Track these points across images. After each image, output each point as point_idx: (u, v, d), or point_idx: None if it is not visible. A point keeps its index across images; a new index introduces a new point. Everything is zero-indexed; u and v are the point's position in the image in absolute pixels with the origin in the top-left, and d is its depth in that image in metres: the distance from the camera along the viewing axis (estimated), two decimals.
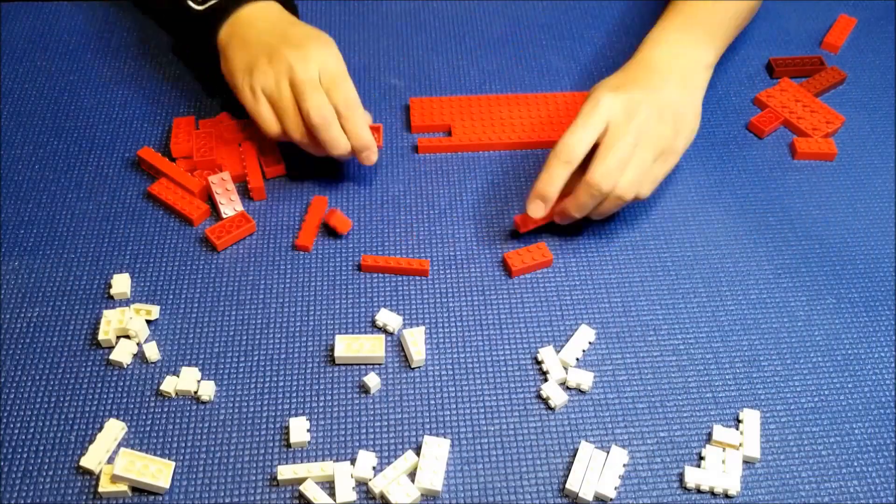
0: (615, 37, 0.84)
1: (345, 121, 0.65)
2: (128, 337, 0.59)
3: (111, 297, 0.62)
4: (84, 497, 0.53)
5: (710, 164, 0.73)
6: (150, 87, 0.77)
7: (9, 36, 0.81)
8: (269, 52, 0.65)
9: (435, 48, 0.82)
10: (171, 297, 0.62)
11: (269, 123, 0.65)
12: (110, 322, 0.59)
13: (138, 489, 0.53)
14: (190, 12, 0.70)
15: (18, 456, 0.54)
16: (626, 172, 0.62)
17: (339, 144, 0.65)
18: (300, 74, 0.64)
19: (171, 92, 0.77)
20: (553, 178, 0.62)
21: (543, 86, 0.79)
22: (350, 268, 0.65)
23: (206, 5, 0.69)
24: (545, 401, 0.58)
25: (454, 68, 0.80)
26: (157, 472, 0.53)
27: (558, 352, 0.60)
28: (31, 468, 0.54)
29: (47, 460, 0.54)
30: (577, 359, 0.60)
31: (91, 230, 0.66)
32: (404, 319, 0.62)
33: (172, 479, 0.53)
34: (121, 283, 0.62)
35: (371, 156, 0.66)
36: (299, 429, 0.55)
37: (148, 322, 0.61)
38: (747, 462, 0.55)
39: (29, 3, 0.84)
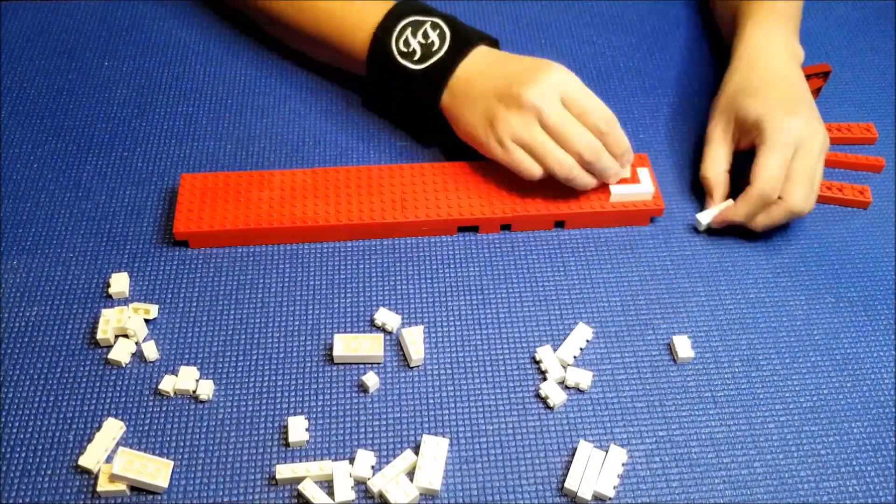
0: (614, 36, 0.84)
1: (608, 139, 0.64)
2: (126, 336, 0.59)
3: (110, 297, 0.62)
4: (83, 496, 0.53)
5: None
6: (150, 86, 0.77)
7: (8, 34, 0.81)
8: (503, 98, 0.63)
9: None
10: (170, 296, 0.62)
11: (531, 169, 0.64)
12: (109, 321, 0.59)
13: (137, 488, 0.53)
14: (407, 72, 0.66)
15: (17, 455, 0.54)
16: (813, 190, 0.64)
17: (613, 171, 0.65)
18: (549, 114, 0.62)
19: (169, 90, 0.77)
20: (750, 215, 0.65)
21: None
22: (350, 267, 0.65)
23: (428, 63, 0.66)
24: (544, 400, 0.58)
25: None
26: (156, 471, 0.53)
27: (556, 350, 0.60)
28: (29, 467, 0.54)
29: (46, 459, 0.54)
30: (575, 357, 0.60)
31: (89, 229, 0.66)
32: (403, 318, 0.62)
33: (171, 479, 0.53)
34: (119, 283, 0.62)
35: (631, 157, 0.66)
36: (298, 428, 0.55)
37: (146, 321, 0.60)
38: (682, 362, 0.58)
39: (28, 2, 0.84)
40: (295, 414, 0.56)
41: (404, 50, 0.66)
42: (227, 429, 0.56)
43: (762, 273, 0.66)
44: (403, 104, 0.72)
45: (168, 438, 0.55)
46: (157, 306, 0.61)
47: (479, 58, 0.66)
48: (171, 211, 0.68)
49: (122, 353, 0.58)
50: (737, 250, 0.67)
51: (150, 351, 0.59)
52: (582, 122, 0.63)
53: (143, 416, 0.56)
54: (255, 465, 0.54)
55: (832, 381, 0.60)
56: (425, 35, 0.66)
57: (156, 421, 0.56)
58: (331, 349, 0.60)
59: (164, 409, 0.57)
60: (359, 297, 0.63)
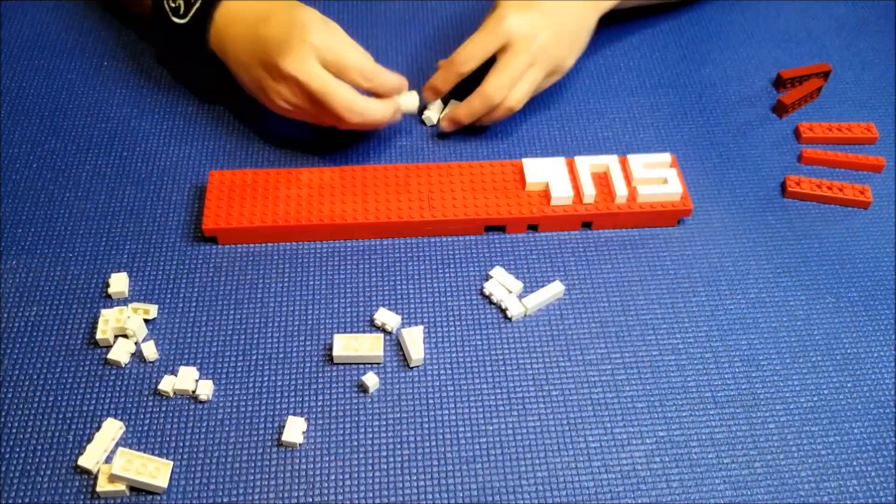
0: (614, 36, 0.84)
1: (375, 88, 0.66)
2: (126, 336, 0.59)
3: (109, 297, 0.62)
4: (82, 496, 0.53)
5: (710, 162, 0.73)
6: (149, 85, 0.77)
7: (7, 34, 0.81)
8: (265, 66, 0.64)
9: (434, 47, 0.82)
10: (169, 296, 0.62)
11: (318, 122, 0.67)
12: (108, 321, 0.59)
13: (136, 489, 0.53)
14: (175, 26, 0.69)
15: (16, 455, 0.54)
16: (519, 87, 0.68)
17: (383, 115, 0.66)
18: (308, 83, 0.63)
19: (169, 90, 0.77)
20: (445, 82, 0.69)
21: None
22: (349, 267, 0.65)
23: (189, 16, 0.68)
24: (503, 312, 0.61)
25: None
26: (155, 471, 0.52)
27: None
28: (28, 467, 0.54)
29: (45, 459, 0.54)
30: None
31: (89, 229, 0.66)
32: (403, 318, 0.62)
33: (171, 479, 0.53)
34: (119, 283, 0.62)
35: (405, 86, 0.69)
36: (295, 429, 0.55)
37: (146, 321, 0.60)
38: None
39: (28, 3, 0.84)
40: (294, 414, 0.56)
41: (172, 5, 0.68)
42: (227, 429, 0.56)
43: (762, 273, 0.66)
44: (185, 61, 0.73)
45: (167, 439, 0.55)
46: (156, 306, 0.61)
47: (237, 9, 0.67)
48: (170, 210, 0.68)
49: (121, 353, 0.58)
50: (737, 250, 0.67)
51: (150, 351, 0.58)
52: (343, 79, 0.65)
53: (142, 417, 0.56)
54: (255, 465, 0.54)
55: (832, 381, 0.60)
56: None
57: (155, 421, 0.56)
58: (330, 349, 0.60)
59: (164, 409, 0.57)
60: (359, 296, 0.63)
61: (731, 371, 0.60)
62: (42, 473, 0.53)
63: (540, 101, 0.76)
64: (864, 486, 0.55)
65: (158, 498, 0.53)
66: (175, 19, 0.68)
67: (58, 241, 0.65)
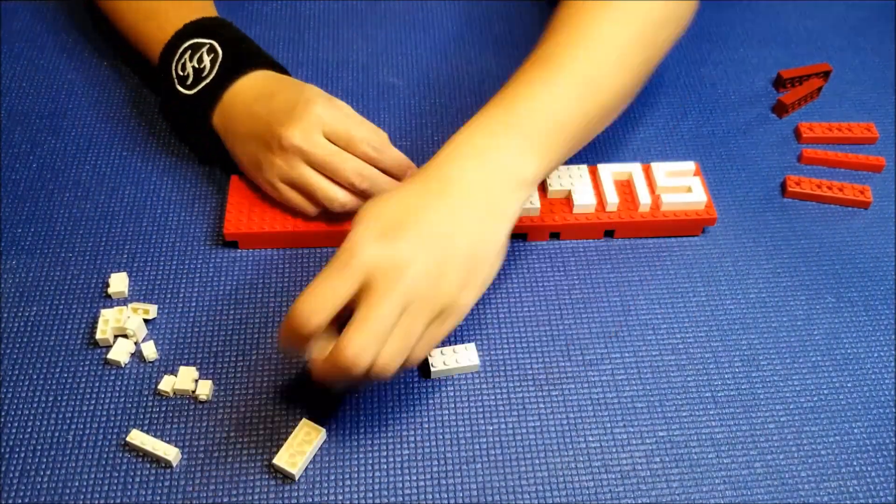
0: None
1: (383, 162, 0.62)
2: (126, 336, 0.59)
3: (109, 296, 0.62)
4: (82, 497, 0.53)
5: (710, 162, 0.73)
6: (150, 86, 0.77)
7: (7, 34, 0.81)
8: (265, 141, 0.61)
9: (434, 47, 0.82)
10: (169, 296, 0.62)
11: (305, 207, 0.63)
12: (108, 321, 0.59)
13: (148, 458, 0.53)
14: (181, 97, 0.65)
15: (16, 455, 0.54)
16: (389, 344, 0.48)
17: (388, 187, 0.61)
18: (313, 153, 0.60)
19: None
20: (287, 351, 0.55)
21: None
22: None
23: (197, 89, 0.64)
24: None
25: (453, 67, 0.80)
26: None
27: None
28: (28, 467, 0.54)
29: (45, 459, 0.54)
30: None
31: (88, 229, 0.66)
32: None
33: (171, 479, 0.53)
34: (118, 283, 0.62)
35: (413, 169, 0.63)
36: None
37: (146, 321, 0.60)
38: None
39: (28, 3, 0.84)
40: (295, 414, 0.56)
41: (181, 74, 0.65)
42: (227, 429, 0.56)
43: (762, 273, 0.66)
44: (185, 131, 0.71)
45: (168, 439, 0.55)
46: (156, 306, 0.61)
47: (246, 88, 0.63)
48: (170, 210, 0.67)
49: (121, 353, 0.58)
50: (737, 250, 0.67)
51: (150, 351, 0.58)
52: (351, 152, 0.61)
53: (142, 417, 0.56)
54: (255, 465, 0.54)
55: (832, 381, 0.60)
56: (200, 59, 0.64)
57: (155, 421, 0.56)
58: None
59: (164, 409, 0.56)
60: None
61: (731, 371, 0.60)
62: (42, 473, 0.53)
63: None
64: (864, 486, 0.55)
65: (159, 498, 0.53)
66: (181, 89, 0.65)
67: (58, 240, 0.65)
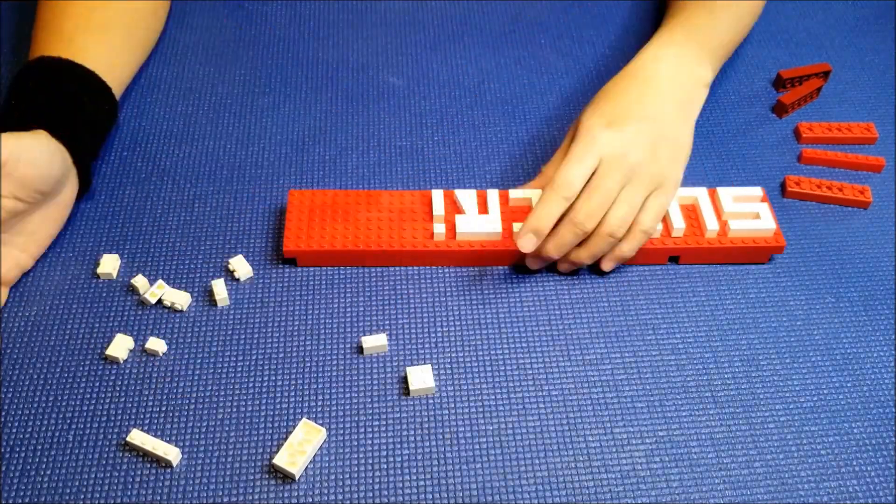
0: (615, 36, 0.84)
1: None
2: (170, 307, 0.61)
3: (97, 276, 0.63)
4: (82, 496, 0.53)
5: (710, 162, 0.73)
6: (147, 84, 0.77)
7: (7, 34, 0.81)
8: None
9: (434, 47, 0.82)
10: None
11: None
12: (150, 290, 0.61)
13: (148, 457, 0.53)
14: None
15: (17, 455, 0.54)
16: (616, 209, 0.60)
17: None
18: None
19: (170, 91, 0.77)
20: (550, 212, 0.59)
21: (542, 85, 0.79)
22: (348, 266, 0.65)
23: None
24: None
25: (452, 67, 0.80)
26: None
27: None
28: (28, 467, 0.54)
29: (46, 459, 0.54)
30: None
31: (90, 229, 0.66)
32: (403, 316, 0.62)
33: (171, 479, 0.53)
34: (108, 264, 0.63)
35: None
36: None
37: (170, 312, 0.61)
38: None
39: (28, 3, 0.84)
40: (294, 414, 0.56)
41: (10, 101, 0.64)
42: (227, 429, 0.56)
43: (762, 273, 0.66)
44: None
45: (167, 439, 0.55)
46: (188, 294, 0.61)
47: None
48: (171, 210, 0.68)
49: (119, 349, 0.58)
50: None
51: (159, 345, 0.59)
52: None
53: (142, 416, 0.56)
54: (255, 465, 0.54)
55: (832, 381, 0.60)
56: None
57: (155, 421, 0.56)
58: (331, 349, 0.60)
59: (164, 409, 0.57)
60: (358, 296, 0.63)
61: (731, 371, 0.60)
62: (42, 473, 0.53)
63: None
64: (864, 486, 0.55)
65: (159, 498, 0.53)
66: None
67: (58, 240, 0.65)
